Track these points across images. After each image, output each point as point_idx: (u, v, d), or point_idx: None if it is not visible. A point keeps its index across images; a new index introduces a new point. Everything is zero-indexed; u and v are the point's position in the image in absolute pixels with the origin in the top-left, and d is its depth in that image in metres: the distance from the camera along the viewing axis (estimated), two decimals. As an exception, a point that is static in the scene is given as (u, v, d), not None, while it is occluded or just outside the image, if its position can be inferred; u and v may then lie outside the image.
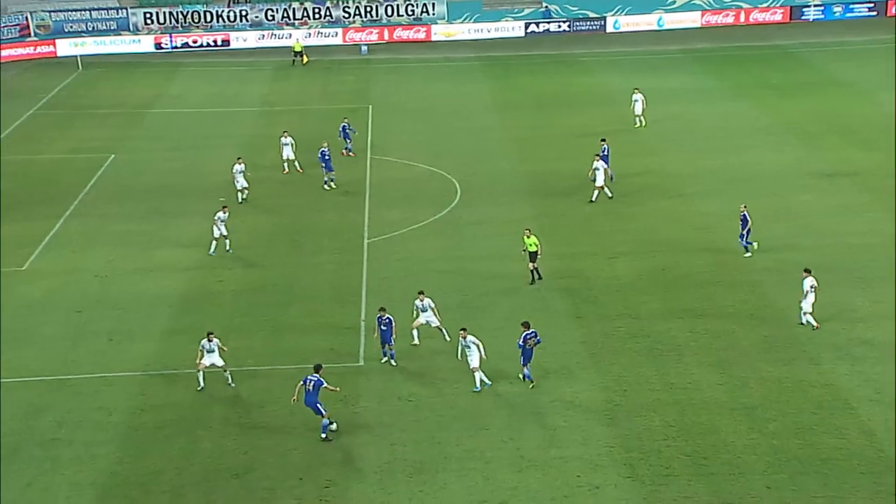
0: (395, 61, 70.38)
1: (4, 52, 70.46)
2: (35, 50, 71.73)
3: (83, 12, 73.60)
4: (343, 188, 44.33)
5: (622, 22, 77.07)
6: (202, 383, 27.99)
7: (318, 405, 25.79)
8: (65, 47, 72.03)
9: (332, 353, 30.07)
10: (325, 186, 43.65)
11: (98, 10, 74.05)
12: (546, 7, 77.43)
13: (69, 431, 26.26)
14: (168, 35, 74.04)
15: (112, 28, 74.00)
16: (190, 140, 51.65)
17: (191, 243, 38.38)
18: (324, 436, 25.87)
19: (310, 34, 75.11)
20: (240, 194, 42.40)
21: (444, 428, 26.29)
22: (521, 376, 28.28)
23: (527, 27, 76.67)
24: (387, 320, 29.01)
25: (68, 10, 73.51)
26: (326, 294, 34.07)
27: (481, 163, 47.22)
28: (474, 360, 27.75)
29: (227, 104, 59.72)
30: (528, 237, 34.14)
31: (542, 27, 76.73)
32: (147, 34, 74.17)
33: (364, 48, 73.37)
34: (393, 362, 29.31)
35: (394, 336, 29.16)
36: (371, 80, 64.95)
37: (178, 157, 49.11)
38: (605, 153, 43.44)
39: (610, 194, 41.62)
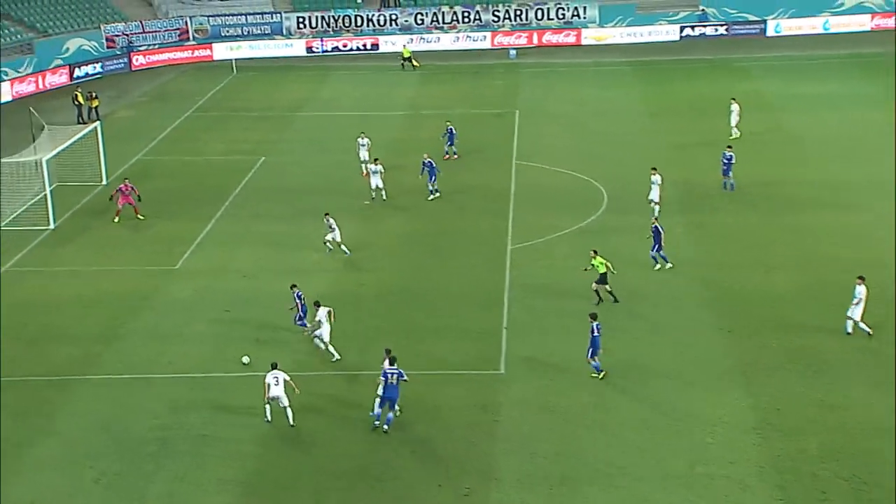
0: (543, 66, 70.33)
1: (164, 56, 73.77)
2: (192, 54, 74.75)
3: (239, 17, 76.40)
4: (487, 193, 44.58)
5: (784, 25, 74.88)
6: (269, 416, 27.38)
7: (398, 397, 26.28)
8: (221, 51, 74.83)
9: (472, 359, 30.23)
10: (431, 197, 43.63)
11: (253, 14, 76.73)
12: (703, 10, 75.95)
13: (217, 429, 27.17)
14: (319, 39, 76.02)
15: (266, 32, 76.50)
16: (338, 143, 52.83)
17: (336, 245, 39.19)
18: (386, 427, 26.30)
19: (458, 38, 75.84)
20: (373, 194, 43.18)
21: (586, 440, 26.08)
22: (595, 371, 28.60)
23: (681, 31, 75.39)
24: (298, 294, 31.22)
25: (225, 15, 76.45)
26: (468, 299, 34.27)
27: (630, 170, 46.66)
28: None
29: (374, 108, 60.85)
30: (595, 258, 33.37)
31: (697, 31, 75.32)
32: (299, 38, 76.37)
33: (513, 52, 73.56)
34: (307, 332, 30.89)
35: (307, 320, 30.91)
36: (519, 85, 65.06)
37: (327, 160, 50.26)
38: (729, 161, 42.80)
39: (656, 215, 40.37)
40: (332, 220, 37.89)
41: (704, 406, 27.38)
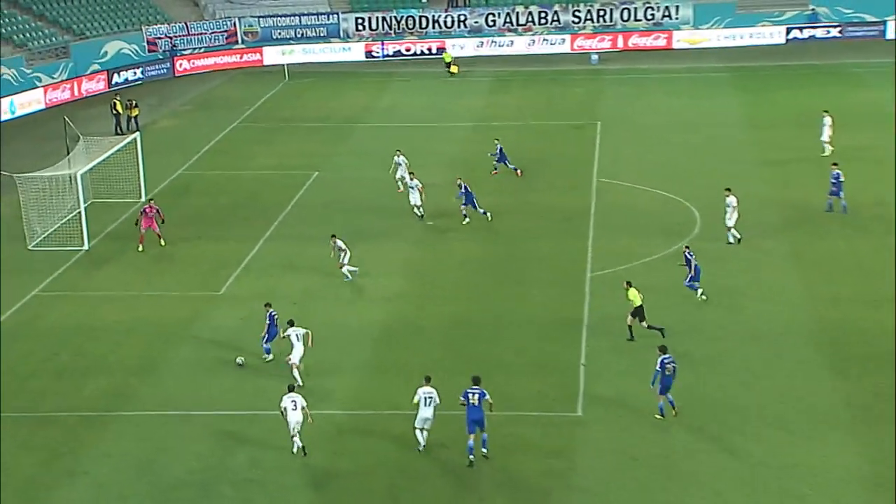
0: (629, 72, 70.29)
1: (210, 61, 75.09)
2: (241, 58, 76.05)
3: (293, 18, 77.45)
4: (564, 214, 44.68)
5: (907, 27, 73.91)
6: (299, 444, 27.95)
7: (484, 419, 27.05)
8: (272, 55, 76.09)
9: (544, 398, 30.28)
10: (466, 220, 43.62)
11: (308, 15, 77.74)
12: (813, 9, 75.31)
13: (263, 472, 27.45)
14: (380, 42, 76.88)
15: (321, 35, 77.51)
16: (399, 157, 53.35)
17: (395, 270, 39.62)
18: (485, 451, 27.06)
19: (533, 41, 76.16)
20: (416, 211, 43.96)
21: (671, 492, 25.94)
22: (659, 412, 28.60)
23: (788, 32, 74.89)
24: (276, 316, 32.52)
25: (278, 16, 77.53)
26: (541, 332, 34.35)
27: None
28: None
29: (439, 118, 61.36)
30: (629, 289, 33.42)
31: (806, 32, 74.74)
32: (358, 41, 77.30)
33: (595, 57, 73.65)
34: (269, 357, 32.67)
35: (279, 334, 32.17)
36: (601, 93, 65.13)
37: (386, 176, 50.69)
38: (837, 179, 42.49)
39: (738, 236, 40.17)
40: (339, 243, 38.54)
41: (808, 456, 27.09)
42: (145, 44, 73.80)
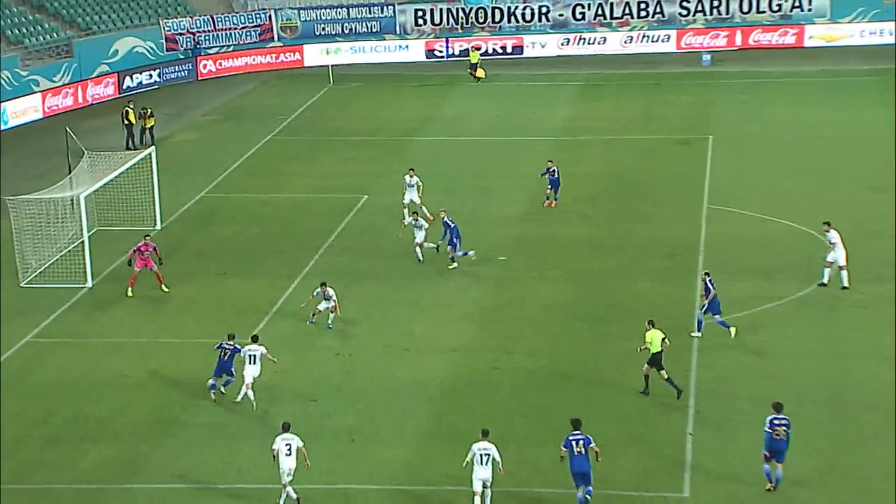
0: (749, 75, 70.06)
1: (240, 61, 75.87)
2: (277, 59, 76.84)
3: (339, 10, 77.92)
4: (667, 248, 44.44)
5: None
6: (293, 496, 28.48)
7: (591, 472, 27.25)
8: (314, 55, 76.78)
9: (645, 476, 29.98)
10: (454, 265, 43.32)
11: (358, 7, 78.17)
12: (984, -2, 74.58)
13: (294, 557, 27.60)
14: (444, 40, 77.21)
15: (374, 30, 78.02)
16: (464, 178, 53.49)
17: (460, 316, 39.63)
18: None
19: (631, 38, 76.07)
20: (419, 255, 43.96)
21: None
22: (770, 482, 28.45)
23: (948, 27, 74.22)
24: (230, 349, 33.84)
25: (321, 8, 78.07)
26: (639, 394, 34.08)
27: (873, 221, 45.97)
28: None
29: (515, 131, 61.46)
30: (650, 330, 33.45)
31: (972, 26, 74.01)
32: (417, 38, 77.73)
33: (706, 57, 73.41)
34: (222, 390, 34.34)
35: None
36: (714, 102, 64.95)
37: (448, 200, 50.74)
38: None
39: (846, 284, 39.88)
40: (330, 291, 38.71)
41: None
42: (163, 41, 74.83)
